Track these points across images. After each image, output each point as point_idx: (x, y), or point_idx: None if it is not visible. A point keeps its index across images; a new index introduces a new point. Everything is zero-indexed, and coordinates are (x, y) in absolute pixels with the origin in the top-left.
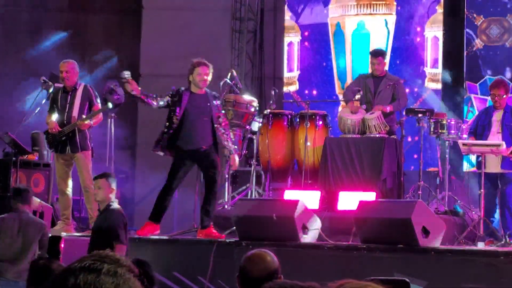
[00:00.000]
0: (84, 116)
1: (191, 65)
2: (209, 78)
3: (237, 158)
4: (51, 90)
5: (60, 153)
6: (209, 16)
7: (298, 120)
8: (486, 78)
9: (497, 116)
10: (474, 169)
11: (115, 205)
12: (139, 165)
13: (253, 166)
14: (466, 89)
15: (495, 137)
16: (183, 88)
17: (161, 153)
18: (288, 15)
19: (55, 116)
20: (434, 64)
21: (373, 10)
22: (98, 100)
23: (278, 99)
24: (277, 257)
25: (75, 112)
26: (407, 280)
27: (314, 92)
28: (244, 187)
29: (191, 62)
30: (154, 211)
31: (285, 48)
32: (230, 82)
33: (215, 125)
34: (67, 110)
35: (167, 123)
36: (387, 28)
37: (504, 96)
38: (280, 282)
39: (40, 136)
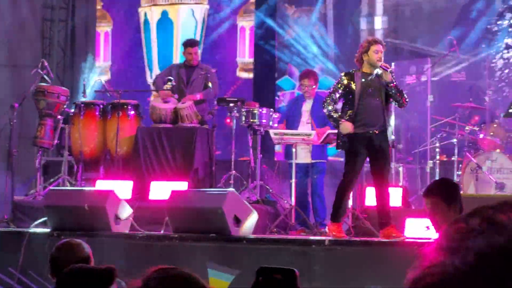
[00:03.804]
0: None
1: (366, 42)
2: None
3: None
4: None
5: None
6: (20, 4)
7: (110, 110)
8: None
9: (307, 106)
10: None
11: None
12: None
13: (65, 156)
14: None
15: (304, 127)
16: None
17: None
18: (100, 5)
19: None
20: (246, 53)
21: (180, 0)
22: None
23: (90, 88)
24: (89, 247)
25: None
26: (295, 270)
27: (126, 81)
28: (56, 177)
29: (365, 40)
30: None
31: (98, 37)
32: (41, 72)
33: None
34: None
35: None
36: (195, 17)
37: (314, 86)
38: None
39: None
